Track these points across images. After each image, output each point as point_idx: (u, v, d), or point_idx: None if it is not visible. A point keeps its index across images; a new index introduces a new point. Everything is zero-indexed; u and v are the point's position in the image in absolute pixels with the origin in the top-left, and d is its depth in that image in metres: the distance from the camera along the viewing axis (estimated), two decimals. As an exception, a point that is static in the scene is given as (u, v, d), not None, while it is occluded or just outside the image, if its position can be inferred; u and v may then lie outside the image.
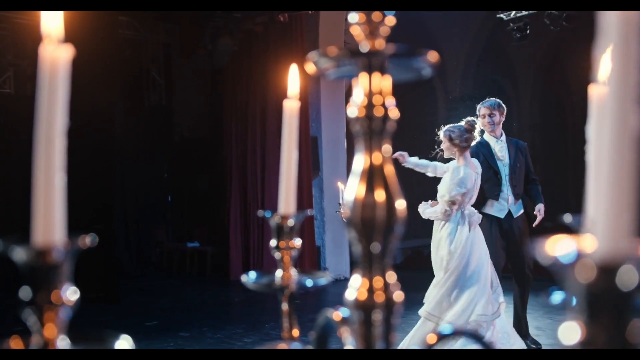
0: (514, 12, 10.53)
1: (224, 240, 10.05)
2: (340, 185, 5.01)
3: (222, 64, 9.94)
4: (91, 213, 7.83)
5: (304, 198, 8.91)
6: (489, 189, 4.61)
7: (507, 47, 13.15)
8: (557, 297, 0.80)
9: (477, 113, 4.76)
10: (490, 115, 4.67)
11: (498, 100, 4.79)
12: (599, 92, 0.77)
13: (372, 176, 0.61)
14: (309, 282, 0.90)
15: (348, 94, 10.71)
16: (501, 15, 10.67)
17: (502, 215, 4.66)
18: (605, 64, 0.80)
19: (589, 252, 0.39)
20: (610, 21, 0.42)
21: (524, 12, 10.46)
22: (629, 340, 0.38)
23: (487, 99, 4.80)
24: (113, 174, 8.59)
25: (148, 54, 10.93)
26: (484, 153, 4.64)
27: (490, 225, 4.56)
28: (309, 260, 8.88)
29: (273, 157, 9.59)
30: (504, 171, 4.65)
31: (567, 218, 0.75)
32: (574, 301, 0.79)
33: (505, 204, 4.67)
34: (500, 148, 4.71)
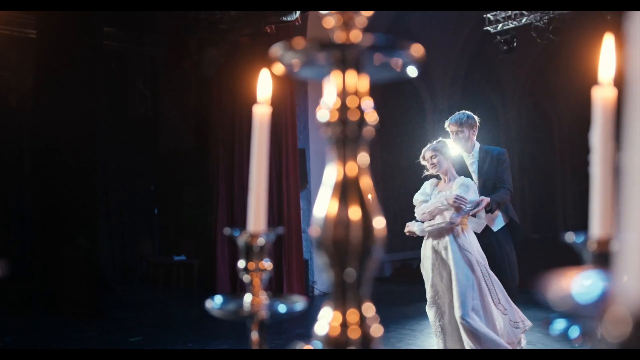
0: (500, 25, 10.57)
1: (211, 253, 9.91)
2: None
3: (209, 75, 9.84)
4: (74, 226, 7.68)
5: (292, 211, 8.82)
6: None
7: (495, 59, 13.19)
8: (558, 326, 0.71)
9: (446, 129, 4.41)
10: (457, 133, 4.39)
11: (467, 113, 4.42)
12: (604, 95, 0.69)
13: (346, 190, 0.52)
14: (281, 308, 0.81)
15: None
16: (488, 28, 10.70)
17: (479, 230, 4.48)
18: (606, 64, 0.72)
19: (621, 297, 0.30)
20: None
21: (511, 25, 10.50)
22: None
23: (456, 113, 4.42)
24: (97, 186, 8.45)
25: (134, 66, 10.83)
26: (456, 169, 4.44)
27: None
28: (297, 273, 8.79)
29: (260, 169, 9.48)
30: (478, 185, 4.45)
31: (570, 237, 0.66)
32: (577, 331, 0.70)
33: (481, 219, 4.48)
34: (471, 162, 4.52)
